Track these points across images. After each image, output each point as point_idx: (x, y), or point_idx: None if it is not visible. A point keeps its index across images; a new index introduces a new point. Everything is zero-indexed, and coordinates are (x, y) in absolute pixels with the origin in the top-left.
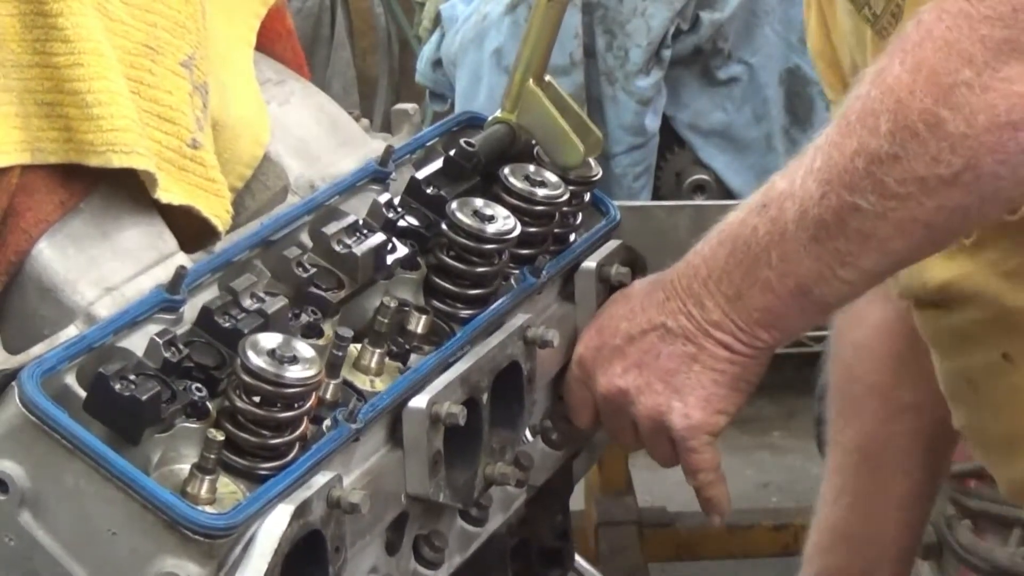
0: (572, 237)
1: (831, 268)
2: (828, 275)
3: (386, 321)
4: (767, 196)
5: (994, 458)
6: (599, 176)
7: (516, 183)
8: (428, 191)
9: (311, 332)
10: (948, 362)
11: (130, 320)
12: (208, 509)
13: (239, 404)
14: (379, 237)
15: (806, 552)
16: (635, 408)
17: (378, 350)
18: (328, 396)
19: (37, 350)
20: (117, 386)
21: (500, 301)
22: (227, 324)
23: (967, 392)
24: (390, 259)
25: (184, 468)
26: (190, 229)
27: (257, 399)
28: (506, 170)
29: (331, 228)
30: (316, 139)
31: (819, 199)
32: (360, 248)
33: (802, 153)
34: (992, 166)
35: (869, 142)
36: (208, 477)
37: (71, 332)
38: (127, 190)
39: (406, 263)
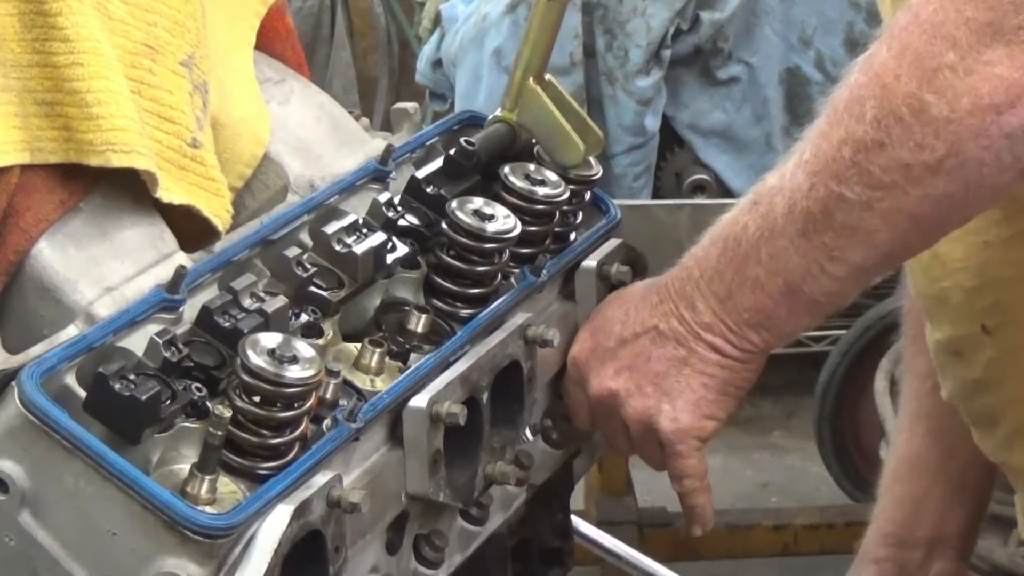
0: (572, 236)
1: (819, 264)
2: (816, 271)
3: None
4: (758, 193)
5: (979, 431)
6: (599, 175)
7: (516, 182)
8: (428, 190)
9: (311, 332)
10: (937, 332)
11: (130, 320)
12: (208, 509)
13: (239, 404)
14: (379, 236)
15: (882, 484)
16: (625, 410)
17: (378, 349)
18: (328, 395)
19: (37, 350)
20: (117, 386)
21: (500, 300)
22: (227, 324)
23: (954, 363)
24: (390, 258)
25: (184, 468)
26: (190, 228)
27: (257, 399)
28: (506, 169)
29: (331, 227)
30: (316, 138)
31: (807, 191)
32: (360, 247)
33: (793, 149)
34: (975, 151)
35: (855, 130)
36: (208, 477)
37: (71, 332)
38: (127, 190)
39: (406, 262)
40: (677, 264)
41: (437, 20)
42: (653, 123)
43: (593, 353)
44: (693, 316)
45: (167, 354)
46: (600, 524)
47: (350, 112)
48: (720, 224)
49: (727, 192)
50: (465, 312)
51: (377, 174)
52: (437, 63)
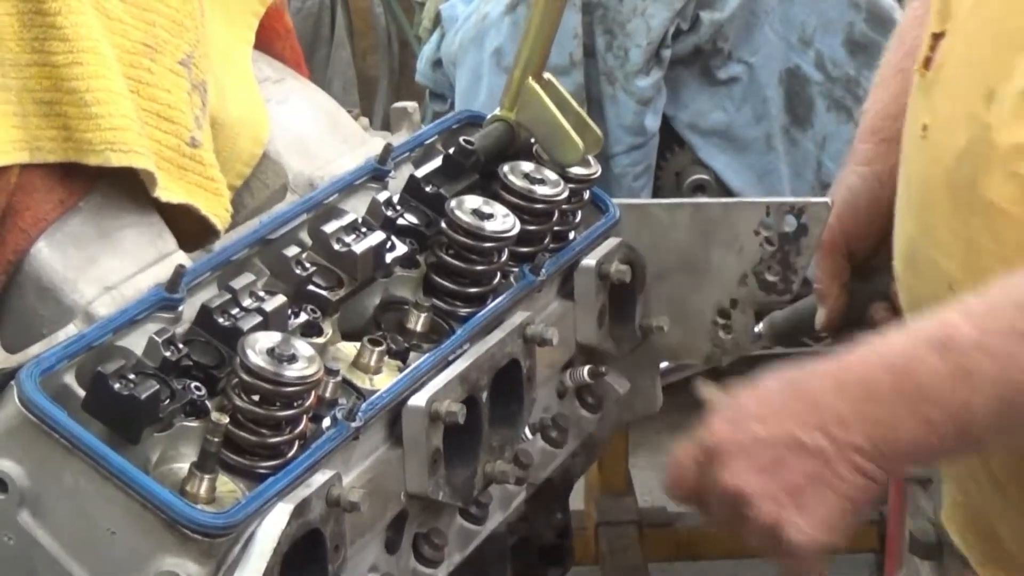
0: (571, 235)
1: (1010, 427)
2: (1003, 430)
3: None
4: (947, 335)
5: None
6: (598, 174)
7: (515, 181)
8: (427, 189)
9: (310, 331)
10: None
11: (129, 319)
12: (207, 508)
13: (238, 403)
14: (378, 235)
15: (880, 75)
16: (752, 512)
17: (377, 348)
18: (327, 394)
19: (36, 349)
20: (116, 385)
21: (499, 299)
22: (226, 323)
23: None
24: (389, 257)
25: (183, 467)
26: (189, 228)
27: (256, 398)
28: (505, 168)
29: (330, 226)
30: (315, 137)
31: None
32: (359, 246)
33: (991, 299)
34: None
35: None
36: (207, 476)
37: (70, 331)
38: (126, 189)
39: (405, 261)
40: (826, 373)
41: (437, 20)
42: (653, 123)
43: (728, 443)
44: (844, 435)
45: (166, 353)
46: (600, 524)
47: (349, 111)
48: (891, 350)
49: (727, 192)
50: (464, 311)
51: (376, 173)
52: (437, 63)
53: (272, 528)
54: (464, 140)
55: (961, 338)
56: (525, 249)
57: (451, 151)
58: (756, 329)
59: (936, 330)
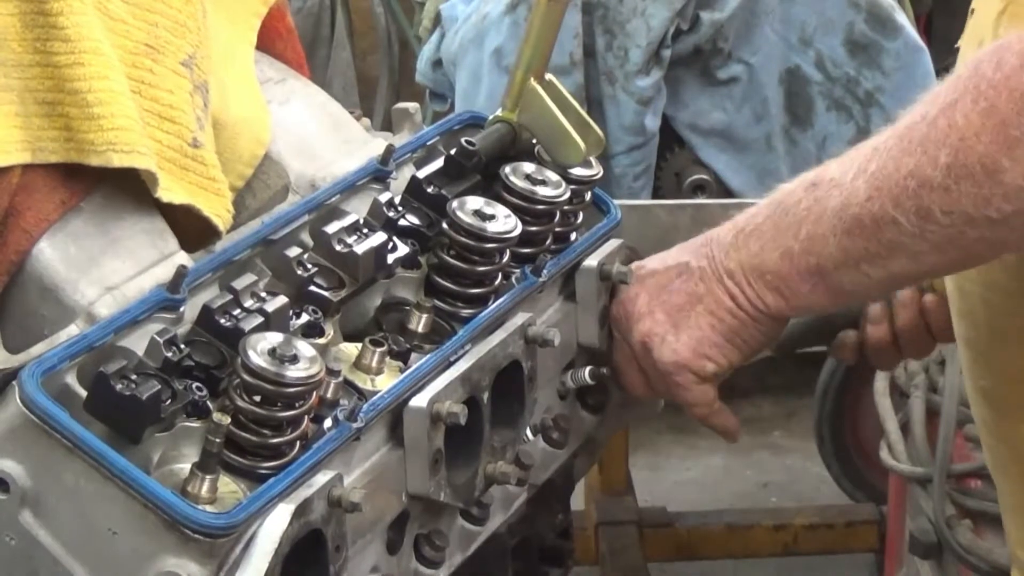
0: (573, 236)
1: (856, 260)
2: (851, 265)
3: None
4: (819, 175)
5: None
6: (600, 175)
7: (517, 182)
8: (429, 190)
9: (312, 331)
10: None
11: (131, 319)
12: (209, 508)
13: (240, 403)
14: (380, 236)
15: None
16: (633, 333)
17: (379, 349)
18: (329, 395)
19: (37, 349)
20: (118, 385)
21: (501, 300)
22: (228, 323)
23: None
24: (391, 258)
25: (185, 468)
26: (191, 228)
27: (258, 398)
28: (507, 169)
29: (332, 227)
30: (317, 138)
31: (864, 201)
32: (361, 247)
33: (860, 147)
34: None
35: (925, 168)
36: (209, 476)
37: (72, 331)
38: (128, 189)
39: (407, 262)
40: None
41: (437, 20)
42: (653, 123)
43: (637, 273)
44: (722, 259)
45: (168, 354)
46: (600, 524)
47: (351, 112)
48: (779, 190)
49: (727, 192)
50: (466, 312)
51: (378, 174)
52: (437, 63)
53: (273, 529)
54: (466, 141)
55: (826, 175)
56: (527, 250)
57: (453, 152)
58: None
59: (814, 172)
